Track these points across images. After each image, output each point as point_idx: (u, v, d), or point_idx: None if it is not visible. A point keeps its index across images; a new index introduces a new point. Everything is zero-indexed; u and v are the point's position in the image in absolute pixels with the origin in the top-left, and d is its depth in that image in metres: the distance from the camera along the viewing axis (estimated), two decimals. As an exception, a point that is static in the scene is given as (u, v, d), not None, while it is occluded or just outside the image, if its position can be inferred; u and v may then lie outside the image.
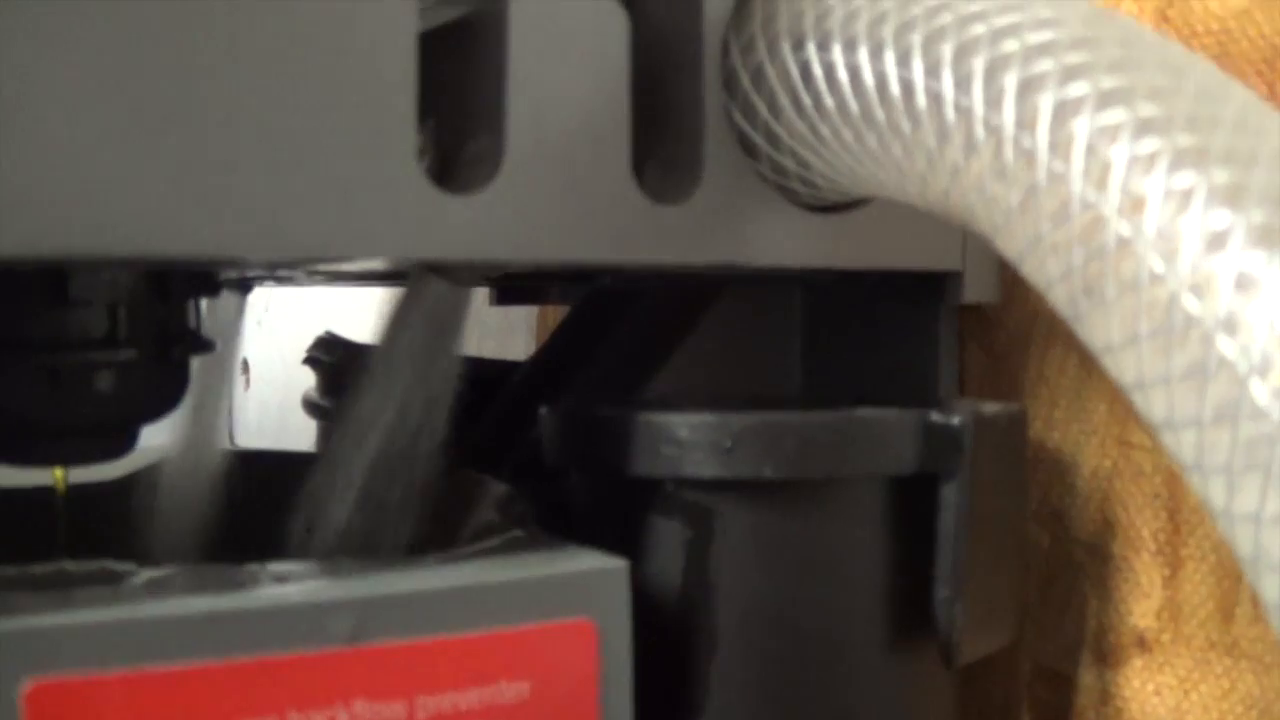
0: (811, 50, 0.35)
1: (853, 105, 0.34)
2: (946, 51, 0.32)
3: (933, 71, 0.32)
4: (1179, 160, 0.27)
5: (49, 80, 0.29)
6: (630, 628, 0.35)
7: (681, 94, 0.39)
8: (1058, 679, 0.50)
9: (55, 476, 0.43)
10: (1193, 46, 0.46)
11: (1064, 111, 0.29)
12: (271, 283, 0.57)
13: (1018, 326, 0.52)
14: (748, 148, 0.39)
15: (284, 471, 0.45)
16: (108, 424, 0.42)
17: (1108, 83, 0.29)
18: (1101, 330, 0.28)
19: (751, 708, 0.39)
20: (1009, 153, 0.30)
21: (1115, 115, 0.28)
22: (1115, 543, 0.49)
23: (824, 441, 0.38)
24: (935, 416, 0.40)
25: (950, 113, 0.31)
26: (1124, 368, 0.28)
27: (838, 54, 0.34)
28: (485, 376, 0.57)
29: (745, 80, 0.38)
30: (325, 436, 0.66)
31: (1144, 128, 0.28)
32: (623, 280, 0.53)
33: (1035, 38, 0.30)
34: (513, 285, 0.69)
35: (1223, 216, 0.26)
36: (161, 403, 0.43)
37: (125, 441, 0.43)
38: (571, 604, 0.34)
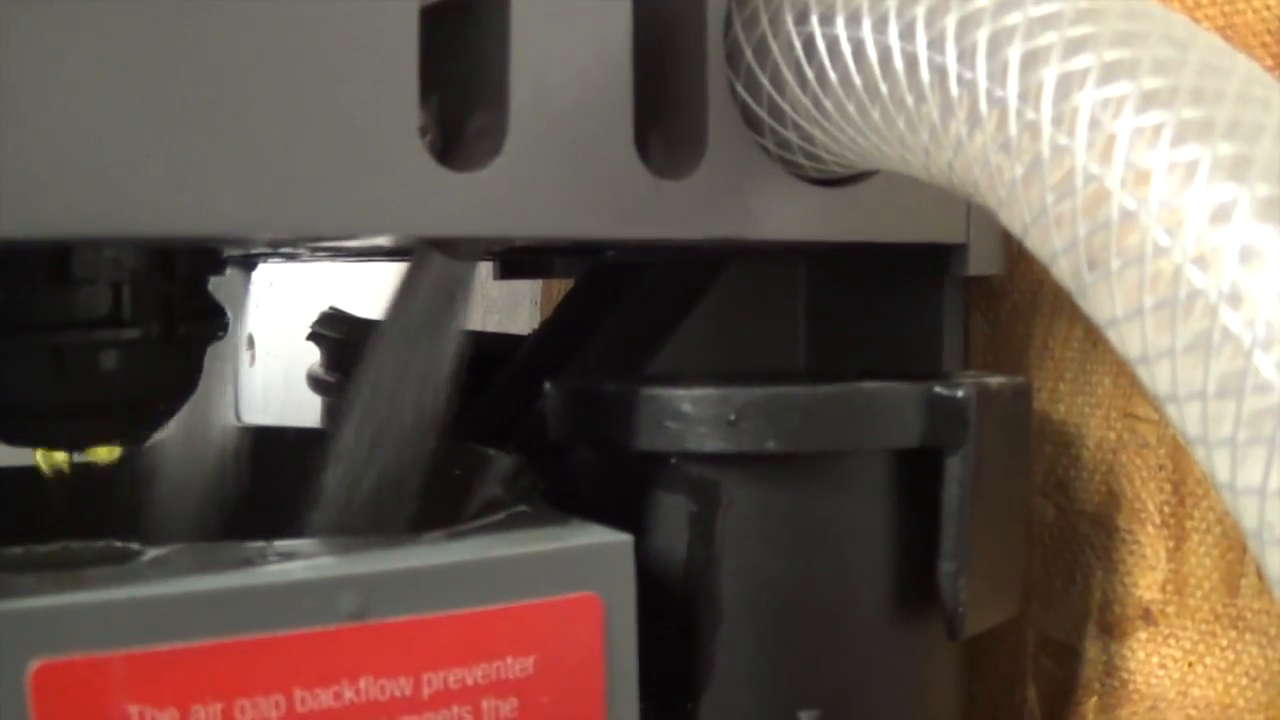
0: (815, 23, 0.35)
1: (856, 79, 0.34)
2: (950, 24, 0.31)
3: (936, 44, 0.32)
4: (1183, 133, 0.27)
5: (53, 60, 0.29)
6: (635, 602, 0.35)
7: (684, 68, 0.39)
8: (1063, 651, 0.51)
9: (58, 459, 0.43)
10: (1197, 19, 0.45)
11: (1068, 84, 0.29)
12: (276, 259, 0.57)
13: (1022, 299, 0.52)
14: (751, 122, 0.39)
15: (289, 448, 0.45)
16: (117, 403, 0.42)
17: (1112, 55, 0.29)
18: (1106, 303, 0.28)
19: (756, 681, 0.39)
20: (1013, 126, 0.30)
21: (1120, 88, 0.28)
22: (1120, 515, 0.49)
23: (828, 415, 0.38)
24: (940, 389, 0.40)
25: (954, 86, 0.31)
26: (1129, 341, 0.28)
27: (841, 27, 0.34)
28: (490, 351, 0.57)
29: (748, 54, 0.37)
30: (330, 412, 0.66)
31: (1148, 100, 0.28)
32: (627, 255, 0.53)
33: (1038, 10, 0.30)
34: (517, 260, 0.69)
35: (1227, 189, 0.26)
36: (173, 380, 0.43)
37: (144, 423, 0.43)
38: (576, 578, 0.34)
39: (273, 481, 0.45)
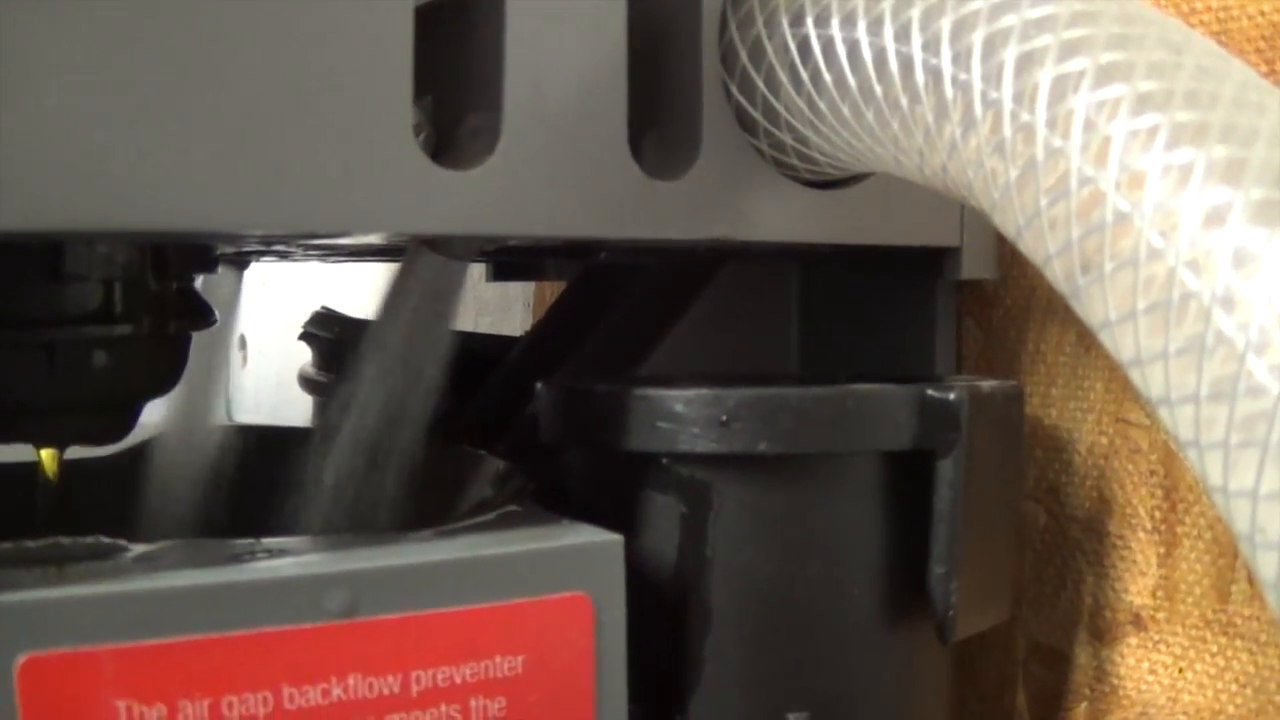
0: (810, 25, 0.35)
1: (851, 80, 0.34)
2: (945, 26, 0.31)
3: (931, 47, 0.32)
4: (1178, 136, 0.27)
5: (46, 55, 0.29)
6: (625, 602, 0.35)
7: (679, 69, 0.39)
8: (1053, 656, 0.51)
9: (43, 456, 0.43)
10: (1192, 23, 0.45)
11: (1063, 86, 0.29)
12: (269, 258, 0.57)
13: (1015, 303, 0.52)
14: (745, 123, 0.39)
15: (280, 446, 0.45)
16: (105, 401, 0.41)
17: (1107, 58, 0.29)
18: (1099, 306, 0.28)
19: (745, 682, 0.39)
20: (1007, 128, 0.30)
21: (1114, 90, 0.28)
22: (1111, 520, 0.49)
23: (820, 416, 0.38)
24: (932, 392, 0.40)
25: (949, 88, 0.31)
26: (1122, 344, 0.28)
27: (836, 29, 0.34)
28: (482, 352, 0.57)
29: (743, 55, 0.37)
30: (321, 411, 0.66)
31: (1143, 103, 0.28)
32: (619, 256, 0.53)
33: (1034, 12, 0.30)
34: (509, 261, 0.69)
35: (1221, 193, 0.26)
36: (160, 378, 0.43)
37: (125, 421, 0.43)
38: (566, 578, 0.34)
39: (263, 480, 0.45)
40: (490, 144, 0.35)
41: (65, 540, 0.32)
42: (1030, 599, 0.51)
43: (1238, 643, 0.46)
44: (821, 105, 0.35)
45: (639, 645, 0.35)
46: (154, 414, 0.46)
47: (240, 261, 0.50)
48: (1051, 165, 0.29)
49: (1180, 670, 0.47)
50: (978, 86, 0.30)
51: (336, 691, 0.31)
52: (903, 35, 0.32)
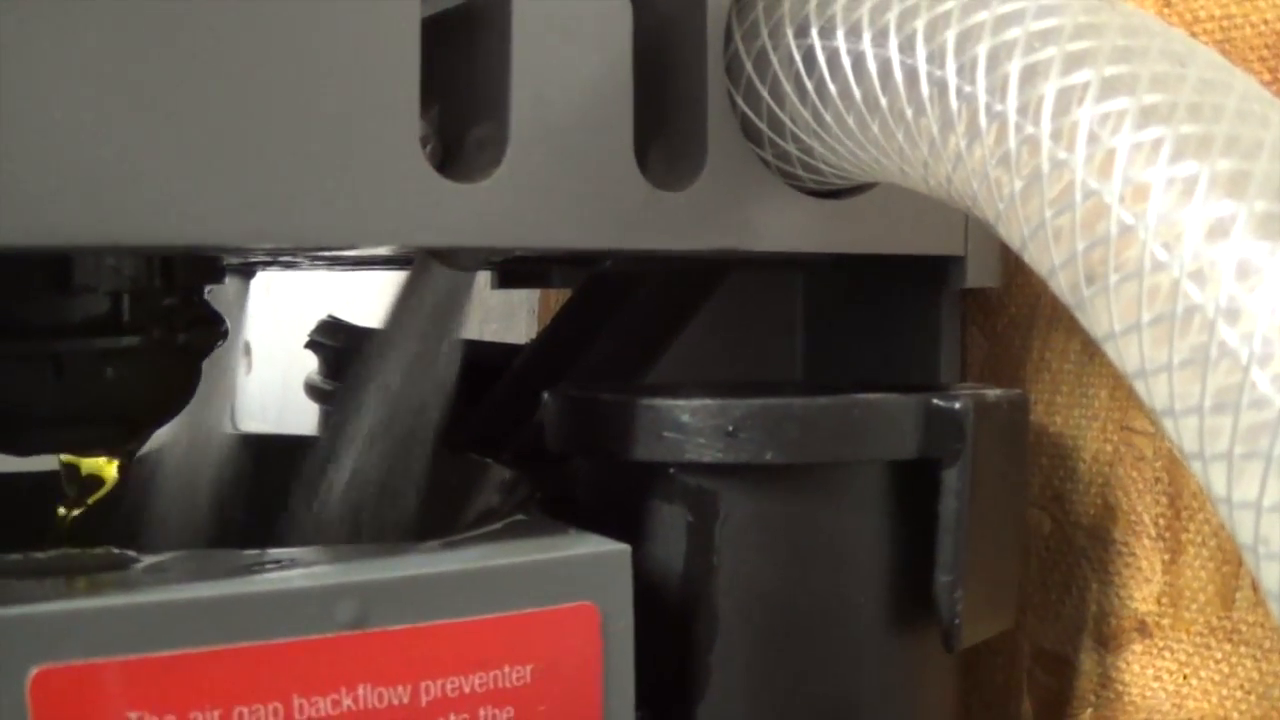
0: (815, 36, 0.35)
1: (856, 91, 0.34)
2: (950, 38, 0.32)
3: (936, 58, 0.32)
4: (1182, 148, 0.27)
5: (54, 69, 0.29)
6: (632, 611, 0.35)
7: (684, 80, 0.39)
8: (1058, 663, 0.51)
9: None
10: (1195, 34, 0.46)
11: (1067, 99, 0.29)
12: (275, 268, 0.57)
13: (1020, 311, 0.52)
14: (750, 134, 0.39)
15: (286, 456, 0.45)
16: (114, 413, 0.41)
17: (1111, 70, 0.29)
18: (1103, 317, 0.28)
19: (752, 691, 0.39)
20: (1012, 140, 0.30)
21: (1118, 103, 0.28)
22: (1116, 528, 0.49)
23: (826, 426, 0.38)
24: (937, 401, 0.40)
25: (954, 99, 0.31)
26: (1126, 355, 0.28)
27: (841, 40, 0.34)
28: (488, 361, 0.57)
29: (748, 66, 0.38)
30: (327, 420, 0.66)
31: (1147, 115, 0.28)
32: (625, 265, 0.53)
33: (1038, 25, 0.30)
34: (515, 270, 0.70)
35: (1225, 205, 0.26)
36: (171, 390, 0.43)
37: (134, 434, 0.43)
38: (574, 588, 0.34)
39: (270, 490, 0.45)
40: (497, 156, 0.35)
41: (75, 551, 0.33)
42: (1035, 606, 0.51)
43: (1242, 649, 0.46)
44: (826, 116, 0.36)
45: (646, 654, 0.35)
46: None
47: (246, 271, 0.50)
48: (1056, 177, 0.29)
49: (1185, 677, 0.47)
50: (982, 98, 0.31)
51: (346, 702, 0.31)
52: (907, 47, 0.33)
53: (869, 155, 0.35)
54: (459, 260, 0.38)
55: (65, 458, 0.43)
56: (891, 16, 0.33)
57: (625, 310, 0.55)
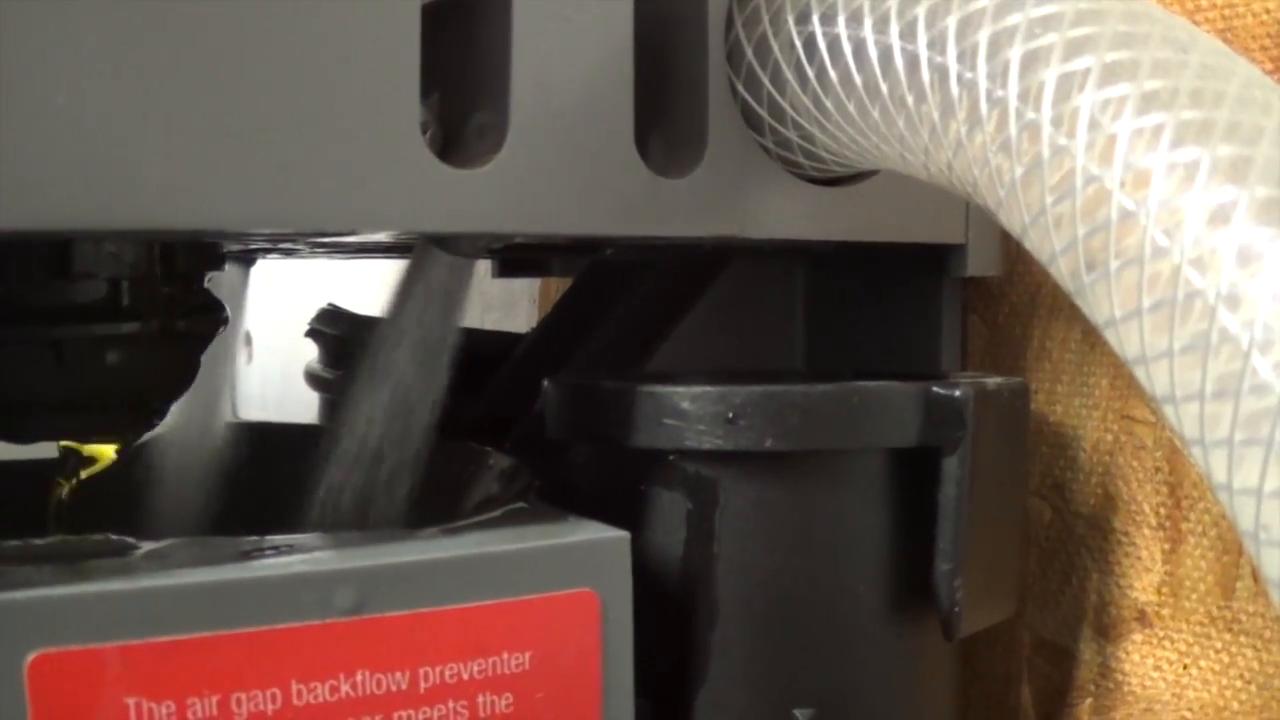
0: (816, 22, 0.35)
1: (857, 78, 0.34)
2: (951, 24, 0.31)
3: (937, 44, 0.32)
4: (1183, 134, 0.27)
5: (54, 54, 0.29)
6: (631, 598, 0.35)
7: (685, 67, 0.39)
8: (1058, 652, 0.51)
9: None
10: (1197, 22, 0.45)
11: (1068, 85, 0.29)
12: (275, 255, 0.57)
13: (1020, 300, 0.52)
14: (751, 121, 0.39)
15: (286, 443, 0.45)
16: (115, 399, 0.41)
17: (1112, 57, 0.29)
18: (1104, 304, 0.28)
19: (751, 678, 0.39)
20: (1013, 126, 0.30)
21: (1120, 89, 0.28)
22: (1116, 517, 0.49)
23: (826, 413, 0.38)
24: (937, 389, 0.40)
25: (954, 86, 0.31)
26: (1127, 341, 0.28)
27: (842, 26, 0.34)
28: (488, 349, 0.57)
29: (749, 53, 0.37)
30: (327, 408, 0.66)
31: (1148, 102, 0.28)
32: (625, 253, 0.53)
33: (1039, 11, 0.30)
34: (515, 258, 0.69)
35: (1227, 191, 0.26)
36: (171, 375, 0.43)
37: (135, 420, 0.43)
38: (573, 574, 0.34)
39: (270, 477, 0.45)
40: (497, 142, 0.35)
41: (73, 538, 0.33)
42: (1035, 595, 0.51)
43: (1242, 639, 0.46)
44: (827, 103, 0.36)
45: (645, 641, 0.35)
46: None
47: (247, 258, 0.50)
48: (1057, 163, 0.29)
49: (1185, 666, 0.47)
50: (983, 85, 0.31)
51: (345, 688, 0.31)
52: (908, 33, 0.33)
53: (869, 142, 0.35)
54: (459, 247, 0.38)
55: (65, 444, 0.43)
56: (893, 3, 0.33)
57: (626, 298, 0.55)
